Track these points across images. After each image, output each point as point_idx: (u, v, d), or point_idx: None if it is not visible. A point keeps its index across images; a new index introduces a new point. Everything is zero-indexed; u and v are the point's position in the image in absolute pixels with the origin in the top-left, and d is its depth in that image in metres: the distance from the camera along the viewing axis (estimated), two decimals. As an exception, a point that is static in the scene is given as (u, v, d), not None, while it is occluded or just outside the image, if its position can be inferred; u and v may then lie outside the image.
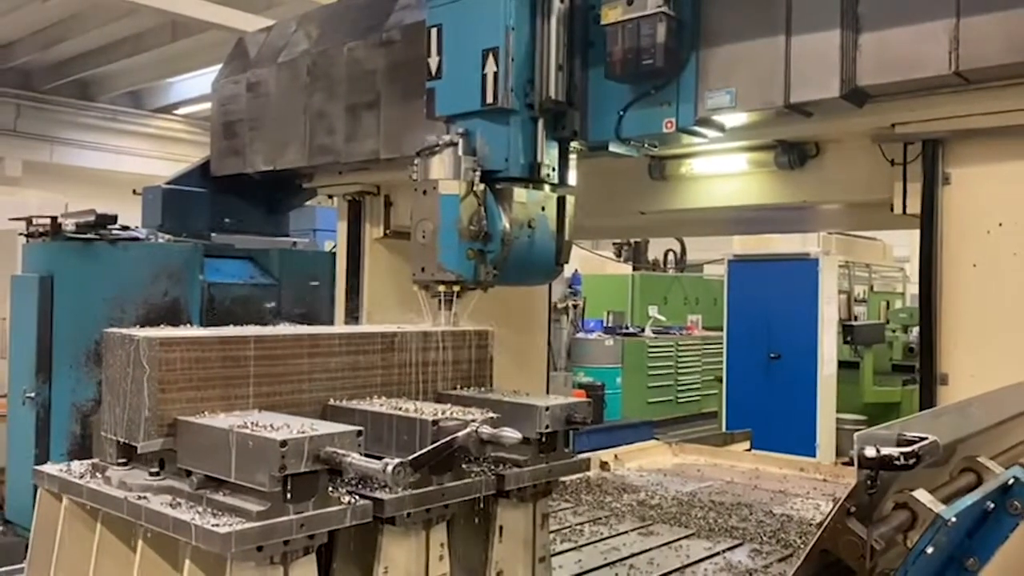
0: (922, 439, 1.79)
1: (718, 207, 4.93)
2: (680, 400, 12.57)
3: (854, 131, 3.97)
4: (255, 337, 2.36)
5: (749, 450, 6.85)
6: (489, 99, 3.56)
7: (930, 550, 1.78)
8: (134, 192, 6.65)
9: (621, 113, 3.81)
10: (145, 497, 2.11)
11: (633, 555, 3.76)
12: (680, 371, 12.73)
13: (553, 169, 3.75)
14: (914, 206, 3.75)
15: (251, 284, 6.35)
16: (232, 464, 1.99)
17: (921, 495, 1.88)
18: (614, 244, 14.98)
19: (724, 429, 9.35)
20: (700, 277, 15.24)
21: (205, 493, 2.06)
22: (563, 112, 3.77)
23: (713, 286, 13.80)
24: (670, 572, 3.55)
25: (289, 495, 1.95)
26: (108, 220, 5.64)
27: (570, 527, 4.17)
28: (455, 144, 3.50)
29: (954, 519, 1.77)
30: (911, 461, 1.71)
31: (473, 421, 2.28)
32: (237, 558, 1.91)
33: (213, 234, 6.51)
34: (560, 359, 11.09)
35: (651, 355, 12.26)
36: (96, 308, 5.45)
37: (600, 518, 4.34)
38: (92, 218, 5.59)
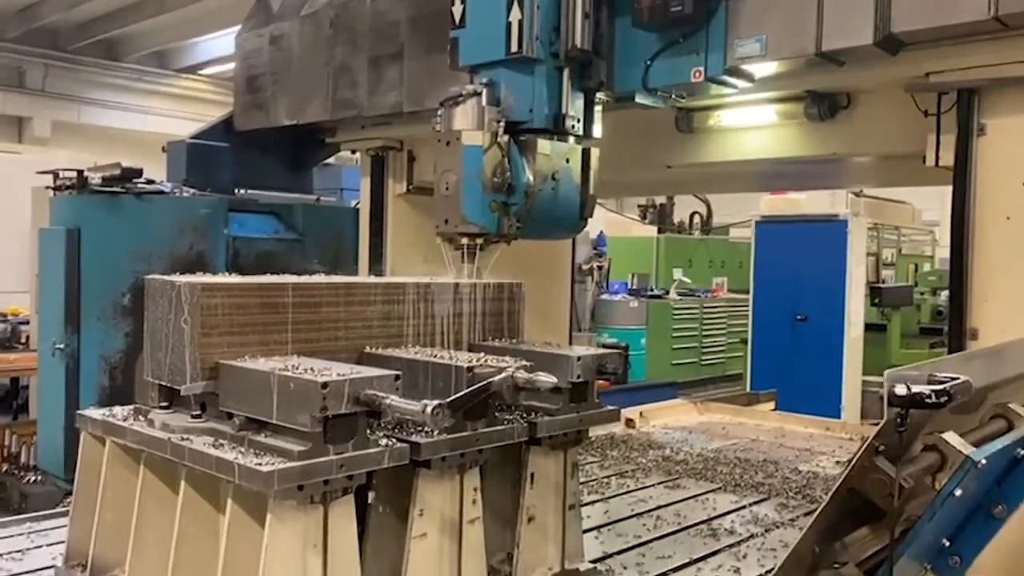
0: (954, 379, 1.78)
1: (747, 160, 4.88)
2: (704, 362, 12.57)
3: (887, 80, 3.89)
4: (293, 285, 2.40)
5: (774, 411, 6.87)
6: (514, 48, 3.48)
7: (958, 492, 1.78)
8: (163, 150, 6.66)
9: (648, 63, 3.77)
10: (188, 438, 2.17)
11: (660, 507, 3.82)
12: (705, 333, 12.71)
13: (578, 120, 3.69)
14: (947, 158, 3.69)
15: (276, 239, 6.37)
16: (274, 406, 2.04)
17: (951, 437, 1.88)
18: (639, 206, 14.86)
19: (749, 390, 9.35)
20: (726, 240, 15.11)
21: (247, 435, 2.10)
22: (589, 61, 3.69)
23: (739, 249, 13.69)
24: (697, 524, 3.60)
25: (329, 436, 2.00)
26: (134, 173, 5.66)
27: (597, 480, 4.22)
28: (479, 94, 3.44)
29: (984, 461, 1.77)
30: (942, 399, 1.71)
31: (508, 367, 2.31)
32: (278, 496, 1.96)
33: (238, 189, 6.53)
34: (584, 320, 11.10)
35: (676, 317, 12.24)
36: (122, 261, 5.49)
37: (627, 472, 4.39)
38: (118, 171, 5.62)
